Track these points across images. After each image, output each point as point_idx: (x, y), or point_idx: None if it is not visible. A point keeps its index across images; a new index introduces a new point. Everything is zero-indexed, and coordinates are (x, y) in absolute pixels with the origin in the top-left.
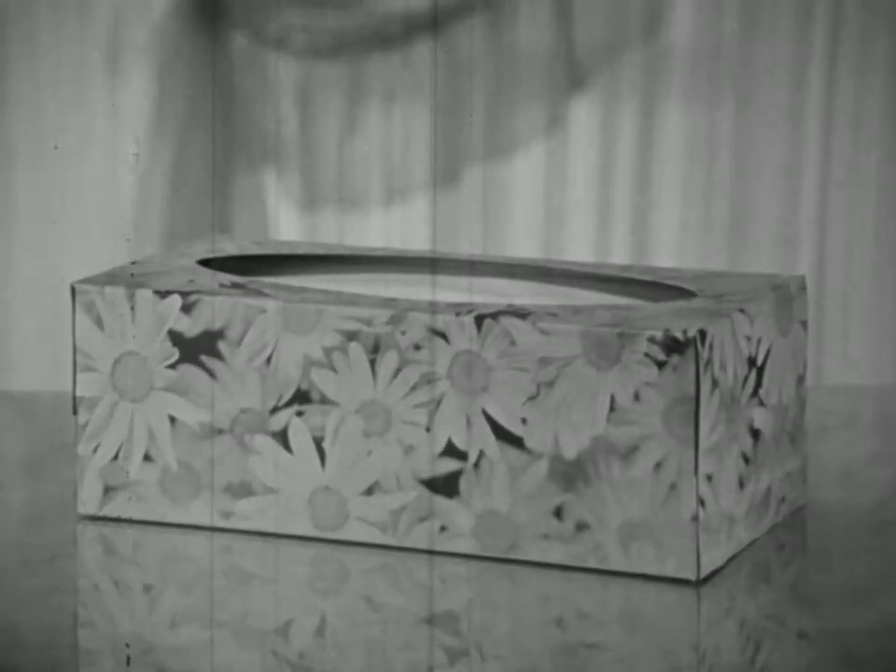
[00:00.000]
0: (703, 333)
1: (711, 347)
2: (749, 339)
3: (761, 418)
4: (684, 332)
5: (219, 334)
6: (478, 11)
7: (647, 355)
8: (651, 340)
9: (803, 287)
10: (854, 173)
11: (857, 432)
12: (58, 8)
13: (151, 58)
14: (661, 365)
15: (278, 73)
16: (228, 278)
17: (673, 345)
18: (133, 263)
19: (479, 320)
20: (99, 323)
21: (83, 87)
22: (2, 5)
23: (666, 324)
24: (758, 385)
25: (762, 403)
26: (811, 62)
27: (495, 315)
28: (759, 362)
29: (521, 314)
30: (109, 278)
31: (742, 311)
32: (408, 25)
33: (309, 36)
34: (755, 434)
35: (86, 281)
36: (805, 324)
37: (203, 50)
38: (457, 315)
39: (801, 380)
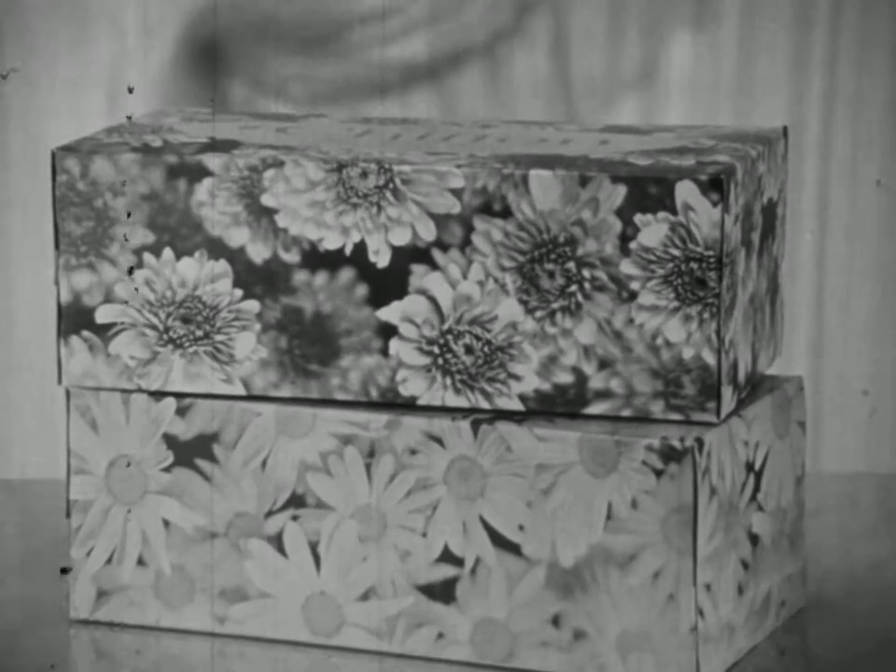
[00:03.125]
0: (700, 442)
1: (709, 455)
2: (746, 444)
3: (759, 523)
4: (682, 441)
5: (214, 437)
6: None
7: (644, 463)
8: (649, 448)
9: (800, 388)
10: (847, 260)
11: (856, 526)
12: (57, 56)
13: (150, 106)
14: (658, 473)
15: None
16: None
17: (671, 454)
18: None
19: (475, 425)
20: (93, 426)
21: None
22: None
23: (664, 432)
24: (756, 489)
25: (760, 508)
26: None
27: (491, 421)
28: (757, 467)
29: (517, 419)
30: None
31: (739, 416)
32: (406, 74)
33: (307, 86)
34: (754, 539)
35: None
36: (803, 425)
37: (203, 99)
38: (453, 419)
39: (799, 481)
